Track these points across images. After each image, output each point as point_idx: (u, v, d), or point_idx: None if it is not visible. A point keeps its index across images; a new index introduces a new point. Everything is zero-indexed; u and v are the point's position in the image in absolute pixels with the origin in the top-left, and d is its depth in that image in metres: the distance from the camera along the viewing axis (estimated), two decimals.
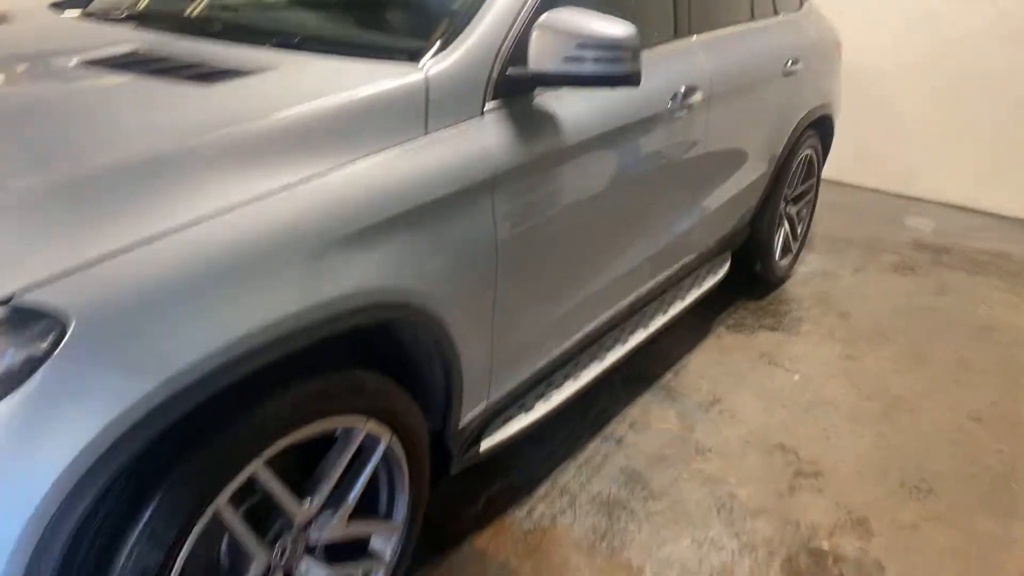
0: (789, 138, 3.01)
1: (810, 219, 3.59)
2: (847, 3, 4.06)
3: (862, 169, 4.85)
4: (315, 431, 1.29)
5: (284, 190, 1.19)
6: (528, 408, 1.95)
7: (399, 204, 1.34)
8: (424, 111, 1.43)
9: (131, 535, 1.06)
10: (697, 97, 2.22)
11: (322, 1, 2.07)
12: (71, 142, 1.16)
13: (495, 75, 1.53)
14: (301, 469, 1.36)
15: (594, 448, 2.29)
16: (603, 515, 2.02)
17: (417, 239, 1.39)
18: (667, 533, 1.98)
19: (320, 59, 1.50)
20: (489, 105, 1.54)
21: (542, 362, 1.97)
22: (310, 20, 1.97)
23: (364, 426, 1.39)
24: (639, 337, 2.37)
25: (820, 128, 3.30)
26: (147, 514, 1.06)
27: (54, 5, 2.10)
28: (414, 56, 1.49)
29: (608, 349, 2.26)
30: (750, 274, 3.21)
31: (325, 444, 1.38)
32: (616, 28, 1.52)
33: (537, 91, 1.64)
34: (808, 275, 3.58)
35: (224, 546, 1.27)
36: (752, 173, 2.84)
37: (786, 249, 3.37)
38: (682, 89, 2.16)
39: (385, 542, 1.55)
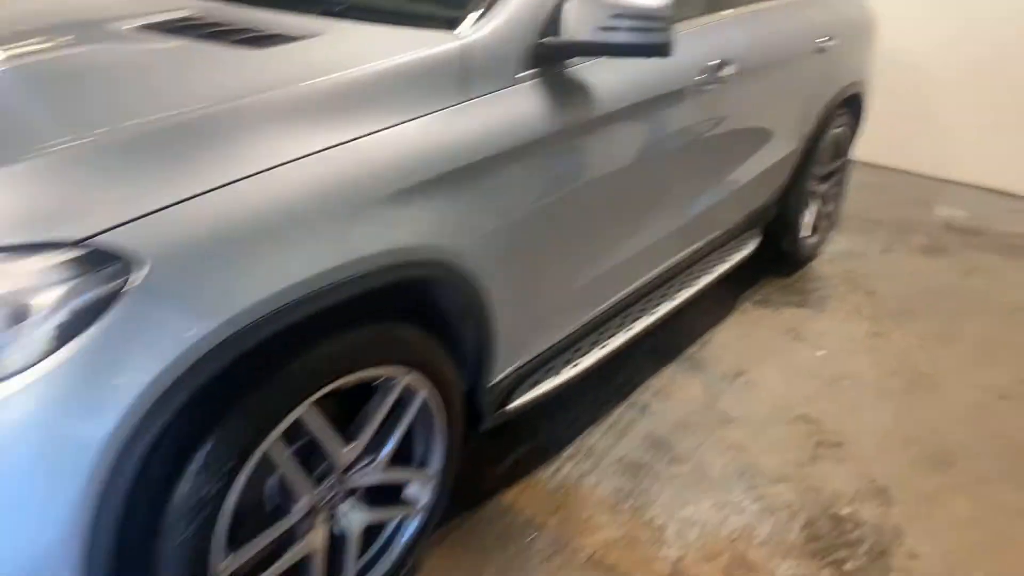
0: (820, 115, 3.01)
1: (840, 198, 3.59)
2: None
3: (895, 150, 4.81)
4: (359, 378, 1.37)
5: (330, 150, 1.26)
6: (556, 372, 2.01)
7: (436, 167, 1.40)
8: (462, 78, 1.49)
9: (191, 465, 1.15)
10: (728, 71, 2.25)
11: None
12: (136, 99, 1.24)
13: (530, 43, 1.58)
14: (345, 417, 1.44)
15: (619, 414, 2.35)
16: (627, 477, 2.09)
17: (453, 201, 1.45)
18: (689, 495, 2.04)
19: (363, 26, 1.56)
20: (524, 73, 1.59)
21: (570, 328, 2.03)
22: None
23: (404, 377, 1.46)
24: (665, 308, 2.41)
25: (852, 106, 3.29)
26: (207, 446, 1.15)
27: None
28: (453, 24, 1.54)
29: (635, 319, 2.31)
30: (777, 251, 3.22)
31: (367, 395, 1.46)
32: None
33: (570, 60, 1.69)
34: (836, 254, 3.59)
35: (271, 485, 1.36)
36: (781, 150, 2.86)
37: (814, 227, 3.38)
38: (714, 63, 2.19)
39: (420, 490, 1.63)
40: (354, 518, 1.48)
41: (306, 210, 1.20)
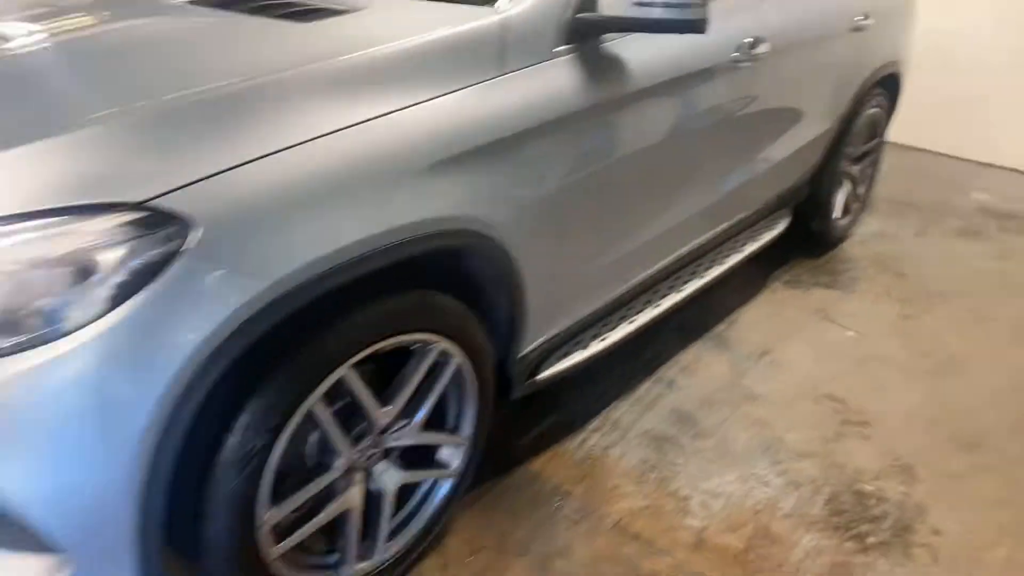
0: (854, 95, 2.99)
1: (873, 179, 3.56)
2: None
3: (932, 132, 4.73)
4: (396, 343, 1.42)
5: (372, 121, 1.30)
6: (584, 345, 2.05)
7: (472, 139, 1.44)
8: (499, 52, 1.52)
9: (240, 419, 1.21)
10: (763, 49, 2.25)
11: None
12: (189, 70, 1.30)
13: (567, 18, 1.61)
14: (382, 382, 1.49)
15: (646, 389, 2.39)
16: (653, 449, 2.13)
17: (488, 173, 1.49)
18: (714, 468, 2.07)
19: (406, 1, 1.59)
20: (560, 48, 1.61)
21: (599, 302, 2.06)
22: None
23: (438, 344, 1.51)
24: (694, 286, 2.43)
25: (887, 87, 3.25)
26: (254, 402, 1.21)
27: None
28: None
29: (663, 296, 2.34)
30: (807, 232, 3.21)
31: (403, 362, 1.51)
32: None
33: (605, 36, 1.71)
34: (868, 236, 3.57)
35: (311, 444, 1.42)
36: (814, 129, 2.85)
37: (846, 209, 3.36)
38: (748, 40, 2.19)
39: (452, 454, 1.69)
40: (389, 477, 1.54)
41: (349, 178, 1.25)
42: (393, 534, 1.61)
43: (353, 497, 1.48)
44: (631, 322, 2.19)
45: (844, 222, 3.38)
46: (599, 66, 1.70)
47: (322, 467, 1.43)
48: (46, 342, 1.03)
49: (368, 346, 1.36)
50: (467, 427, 1.68)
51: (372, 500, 1.54)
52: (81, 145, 1.10)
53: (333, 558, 1.53)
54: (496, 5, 1.56)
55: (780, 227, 2.89)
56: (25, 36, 1.47)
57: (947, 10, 4.33)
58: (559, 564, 1.75)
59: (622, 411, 2.27)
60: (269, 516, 1.31)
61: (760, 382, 2.46)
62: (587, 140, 1.71)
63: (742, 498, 1.98)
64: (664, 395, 2.36)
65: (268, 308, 1.15)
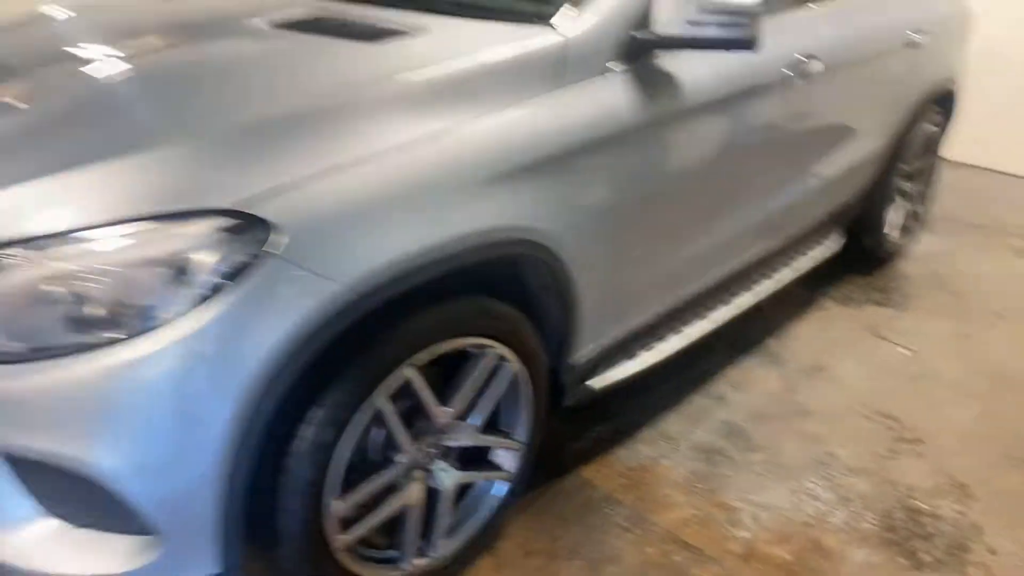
0: (908, 112, 2.98)
1: (927, 197, 3.52)
2: None
3: (990, 150, 4.65)
4: (454, 346, 1.49)
5: (439, 134, 1.38)
6: (635, 356, 2.08)
7: (531, 153, 1.50)
8: (557, 71, 1.59)
9: (313, 412, 1.29)
10: (815, 66, 2.27)
11: None
12: (276, 87, 1.40)
13: (623, 37, 1.67)
14: (443, 384, 1.56)
15: (696, 402, 2.41)
16: (703, 461, 2.15)
17: (546, 186, 1.55)
18: (765, 481, 2.08)
19: (466, 22, 1.68)
20: (615, 65, 1.67)
21: (650, 314, 2.10)
22: None
23: (495, 349, 1.58)
24: (745, 302, 2.45)
25: (943, 104, 3.23)
26: (327, 397, 1.30)
27: None
28: (549, 19, 1.64)
29: (715, 310, 2.36)
30: (860, 249, 3.20)
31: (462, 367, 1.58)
32: None
33: (657, 53, 1.77)
34: (923, 254, 3.52)
35: (375, 440, 1.49)
36: (867, 146, 2.84)
37: (899, 226, 3.33)
38: (801, 57, 2.22)
39: (507, 457, 1.74)
40: (447, 476, 1.61)
41: (417, 188, 1.33)
42: (450, 532, 1.67)
43: (414, 493, 1.55)
44: (682, 335, 2.22)
45: (898, 239, 3.35)
46: (652, 83, 1.76)
47: (386, 462, 1.50)
48: (142, 336, 1.12)
49: (427, 347, 1.43)
50: (521, 432, 1.74)
51: (431, 498, 1.60)
52: (179, 156, 1.21)
53: (393, 554, 1.59)
54: (555, 25, 1.63)
55: (834, 246, 2.89)
56: (124, 58, 1.60)
57: (1002, 27, 4.26)
58: (610, 570, 1.79)
59: (672, 423, 2.30)
60: (336, 506, 1.38)
61: (812, 398, 2.46)
62: (640, 155, 1.76)
63: (792, 511, 1.98)
64: (714, 408, 2.38)
65: (343, 310, 1.23)
